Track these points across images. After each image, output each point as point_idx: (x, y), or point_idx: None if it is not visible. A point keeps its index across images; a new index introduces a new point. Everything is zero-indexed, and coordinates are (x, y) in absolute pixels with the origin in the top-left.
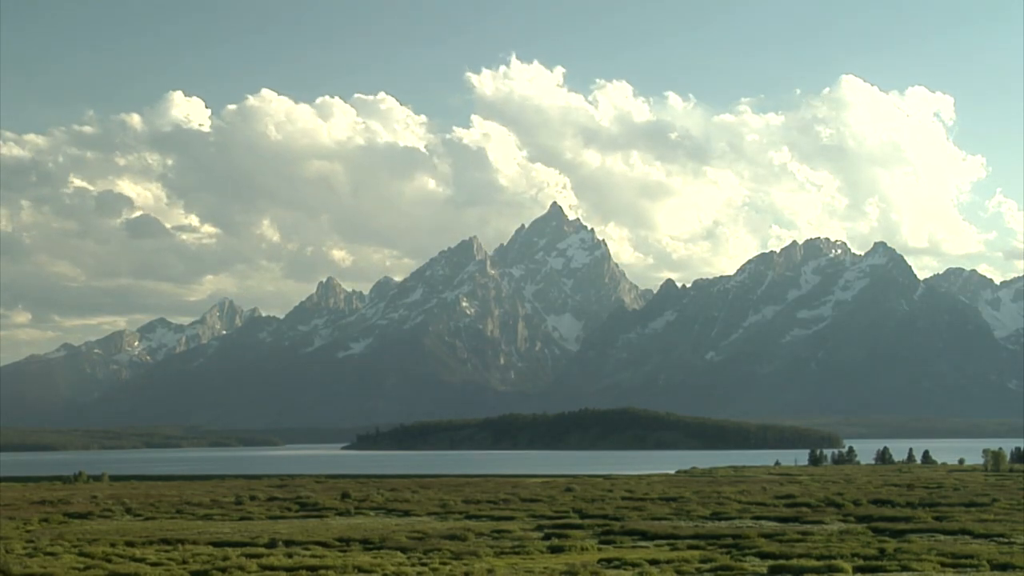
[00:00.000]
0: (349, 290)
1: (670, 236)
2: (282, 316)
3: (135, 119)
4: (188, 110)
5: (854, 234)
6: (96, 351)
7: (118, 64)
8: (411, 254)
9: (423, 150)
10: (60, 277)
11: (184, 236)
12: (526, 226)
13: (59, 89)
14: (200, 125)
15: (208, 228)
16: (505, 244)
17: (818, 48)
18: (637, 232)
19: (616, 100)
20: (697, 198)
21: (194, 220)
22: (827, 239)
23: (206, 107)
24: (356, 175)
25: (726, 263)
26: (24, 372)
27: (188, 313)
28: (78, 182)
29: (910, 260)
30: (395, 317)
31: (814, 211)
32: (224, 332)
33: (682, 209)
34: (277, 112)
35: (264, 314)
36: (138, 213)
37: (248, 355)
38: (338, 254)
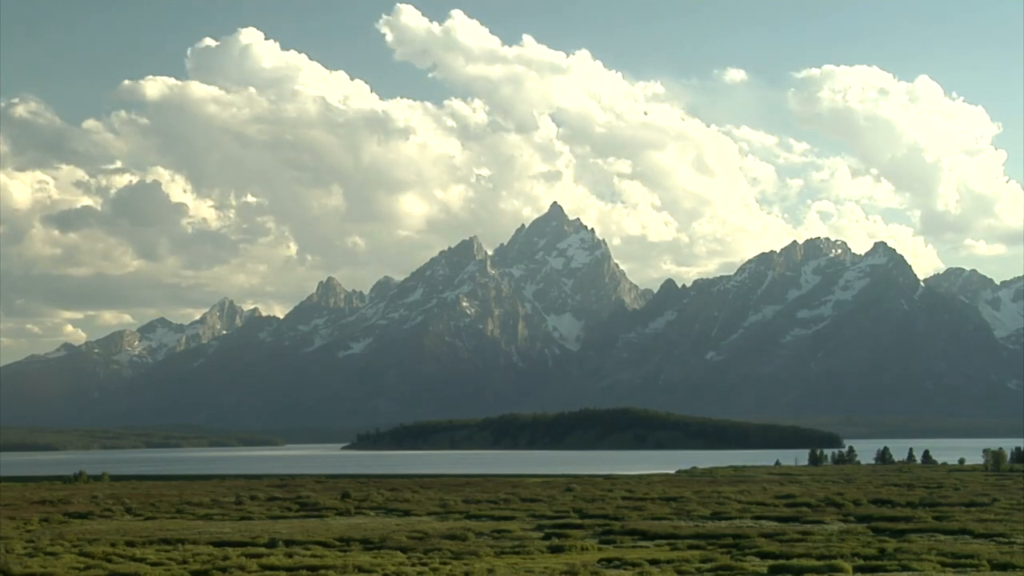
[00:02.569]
0: (349, 290)
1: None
2: (282, 316)
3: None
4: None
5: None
6: (96, 351)
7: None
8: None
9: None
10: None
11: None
12: (526, 226)
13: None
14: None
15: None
16: (505, 244)
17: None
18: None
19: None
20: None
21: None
22: (827, 239)
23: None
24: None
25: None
26: (24, 372)
27: (186, 304)
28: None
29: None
30: (395, 317)
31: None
32: (224, 332)
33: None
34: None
35: (264, 314)
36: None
37: (248, 355)
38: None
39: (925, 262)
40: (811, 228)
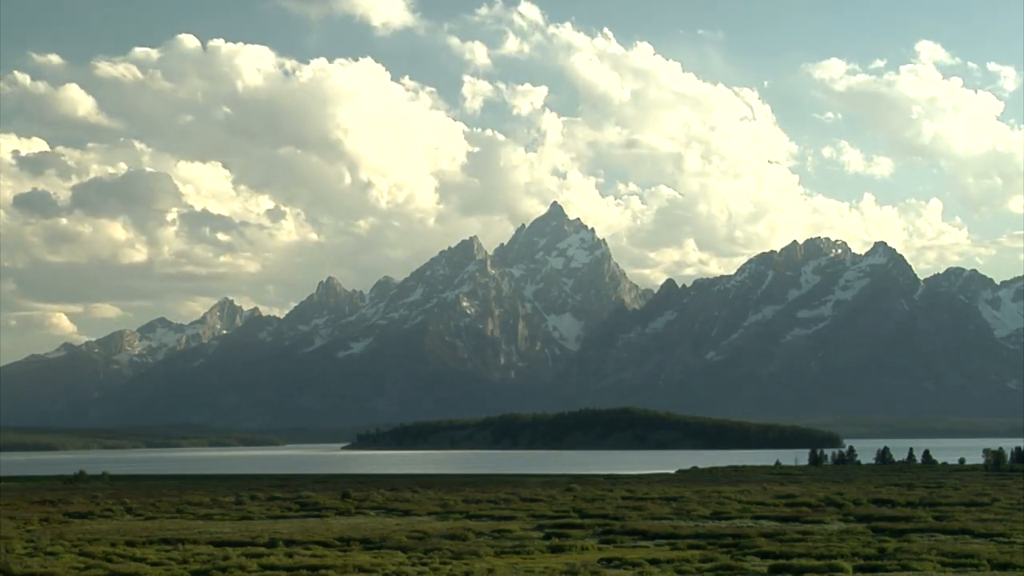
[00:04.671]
0: (350, 290)
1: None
2: (282, 316)
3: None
4: None
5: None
6: (96, 351)
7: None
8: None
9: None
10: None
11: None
12: (526, 226)
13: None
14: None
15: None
16: (505, 244)
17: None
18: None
19: None
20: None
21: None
22: (827, 239)
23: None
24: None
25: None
26: (24, 372)
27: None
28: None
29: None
30: (395, 317)
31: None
32: (224, 332)
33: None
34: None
35: (264, 314)
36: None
37: (248, 355)
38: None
39: (955, 244)
40: (824, 218)
